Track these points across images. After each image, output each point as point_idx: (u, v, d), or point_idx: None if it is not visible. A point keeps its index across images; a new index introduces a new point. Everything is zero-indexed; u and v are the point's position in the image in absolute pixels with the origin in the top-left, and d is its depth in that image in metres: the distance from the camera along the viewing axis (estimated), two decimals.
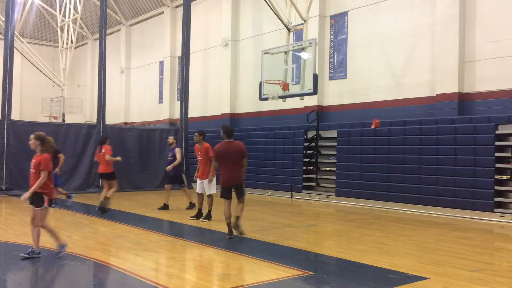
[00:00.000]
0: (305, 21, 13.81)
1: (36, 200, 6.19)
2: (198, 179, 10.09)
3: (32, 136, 6.42)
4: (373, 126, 13.39)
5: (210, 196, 9.89)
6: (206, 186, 9.86)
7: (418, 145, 11.97)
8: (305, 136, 15.00)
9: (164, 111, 24.24)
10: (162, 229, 9.33)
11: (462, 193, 10.99)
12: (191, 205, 11.71)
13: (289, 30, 14.15)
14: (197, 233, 8.88)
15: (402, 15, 14.14)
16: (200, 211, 10.10)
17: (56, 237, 6.41)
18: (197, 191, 10.19)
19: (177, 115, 21.04)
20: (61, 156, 11.63)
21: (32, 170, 6.27)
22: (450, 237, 8.34)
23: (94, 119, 21.44)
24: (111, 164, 11.44)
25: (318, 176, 14.63)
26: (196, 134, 10.35)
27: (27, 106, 31.43)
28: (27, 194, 6.18)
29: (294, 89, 13.04)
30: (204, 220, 9.83)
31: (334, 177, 13.96)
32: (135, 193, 15.94)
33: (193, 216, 10.09)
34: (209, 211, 9.91)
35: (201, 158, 10.02)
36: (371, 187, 12.82)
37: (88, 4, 27.94)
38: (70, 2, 24.06)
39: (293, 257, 6.75)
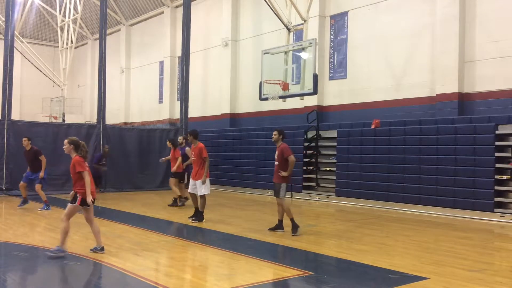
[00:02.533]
0: (305, 21, 13.81)
1: (73, 198, 6.48)
2: (191, 179, 9.92)
3: (66, 140, 6.55)
4: (373, 126, 13.39)
5: (202, 197, 9.70)
6: (199, 186, 9.65)
7: (418, 145, 11.97)
8: (305, 136, 15.00)
9: (164, 111, 24.24)
10: (162, 229, 9.32)
11: (462, 193, 10.99)
12: (175, 202, 12.28)
13: (289, 30, 14.15)
14: (197, 233, 8.88)
15: (402, 15, 14.14)
16: (197, 209, 9.98)
17: (64, 239, 6.44)
18: (189, 191, 10.06)
19: (177, 115, 21.05)
20: (43, 158, 11.07)
21: (71, 175, 6.50)
22: (450, 237, 8.35)
23: (94, 119, 21.44)
24: None
25: (318, 176, 14.63)
26: (189, 134, 10.15)
27: (27, 106, 31.44)
28: (89, 199, 6.37)
29: (294, 89, 13.03)
30: (194, 220, 9.66)
31: (334, 177, 13.95)
32: (135, 193, 15.95)
33: (191, 217, 10.01)
34: (201, 212, 9.75)
35: (194, 159, 9.81)
36: (371, 187, 12.82)
37: (88, 4, 27.94)
38: (70, 2, 24.06)
39: (293, 257, 6.75)
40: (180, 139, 13.12)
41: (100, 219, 10.28)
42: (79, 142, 6.56)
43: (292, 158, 8.38)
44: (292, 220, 8.37)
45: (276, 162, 8.55)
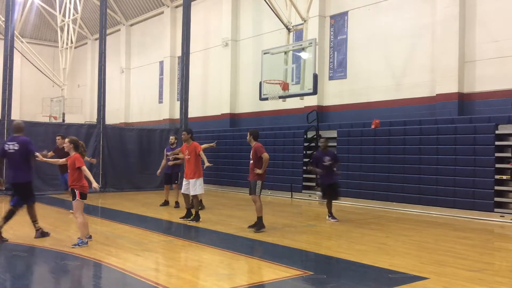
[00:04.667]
0: (305, 21, 13.81)
1: (72, 194, 7.14)
2: (184, 178, 9.83)
3: (66, 140, 7.31)
4: (373, 126, 13.39)
5: (195, 197, 9.66)
6: (192, 186, 9.58)
7: (418, 145, 11.96)
8: (305, 136, 15.00)
9: (164, 111, 24.25)
10: (162, 229, 9.33)
11: (462, 193, 10.98)
12: (177, 204, 12.11)
13: (289, 30, 14.15)
14: (197, 233, 8.88)
15: (402, 15, 14.14)
16: (189, 210, 9.98)
17: (83, 231, 7.11)
18: (182, 191, 9.91)
19: (177, 115, 21.05)
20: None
21: (69, 171, 7.17)
22: (450, 237, 8.35)
23: (94, 119, 21.43)
24: None
25: (318, 176, 14.61)
26: (183, 132, 10.02)
27: (27, 106, 31.44)
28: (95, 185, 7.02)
29: (294, 89, 13.04)
30: (191, 221, 9.66)
31: None
32: (135, 193, 15.94)
33: (183, 217, 10.00)
34: (197, 212, 9.75)
35: (189, 157, 9.68)
36: (371, 187, 12.81)
37: (88, 4, 27.94)
38: (70, 2, 24.06)
39: (293, 257, 6.75)
40: (172, 139, 12.87)
41: (100, 219, 10.31)
42: (79, 142, 7.27)
43: (266, 155, 8.63)
44: (259, 218, 8.65)
45: (251, 161, 8.79)
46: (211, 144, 11.89)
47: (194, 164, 9.63)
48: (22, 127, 7.86)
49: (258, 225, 8.62)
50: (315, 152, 10.83)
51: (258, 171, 8.61)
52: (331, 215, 10.21)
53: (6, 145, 7.50)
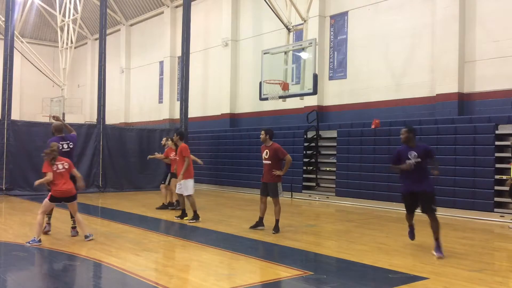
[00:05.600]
0: (305, 21, 13.82)
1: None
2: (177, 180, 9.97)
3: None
4: (373, 126, 13.39)
5: (189, 196, 9.68)
6: (184, 187, 9.66)
7: None
8: (305, 136, 15.00)
9: (164, 111, 24.25)
10: (162, 229, 9.33)
11: (462, 193, 10.99)
12: (163, 206, 11.85)
13: (289, 30, 14.15)
14: (197, 233, 8.88)
15: (402, 15, 14.14)
16: (183, 211, 10.04)
17: (38, 231, 7.17)
18: (176, 191, 10.08)
19: (177, 115, 21.05)
20: None
21: None
22: (450, 237, 8.35)
23: (94, 119, 21.42)
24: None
25: (318, 176, 14.63)
26: (175, 135, 10.29)
27: (27, 106, 31.45)
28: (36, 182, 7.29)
29: (294, 89, 13.05)
30: (191, 221, 9.65)
31: (334, 177, 13.96)
32: (135, 193, 15.94)
33: (178, 216, 10.05)
34: (195, 212, 9.74)
35: (177, 159, 9.90)
36: (371, 187, 12.81)
37: (88, 4, 27.94)
38: (70, 2, 24.05)
39: (293, 257, 6.75)
40: (163, 140, 12.85)
41: (100, 219, 10.31)
42: (53, 151, 7.25)
43: (289, 157, 8.53)
44: (278, 221, 8.63)
45: (268, 162, 8.57)
46: (198, 161, 11.64)
47: (180, 165, 9.71)
48: (62, 127, 8.31)
49: (277, 228, 8.57)
50: (398, 147, 7.51)
51: (279, 172, 8.47)
52: (438, 246, 6.79)
53: (60, 145, 7.76)
